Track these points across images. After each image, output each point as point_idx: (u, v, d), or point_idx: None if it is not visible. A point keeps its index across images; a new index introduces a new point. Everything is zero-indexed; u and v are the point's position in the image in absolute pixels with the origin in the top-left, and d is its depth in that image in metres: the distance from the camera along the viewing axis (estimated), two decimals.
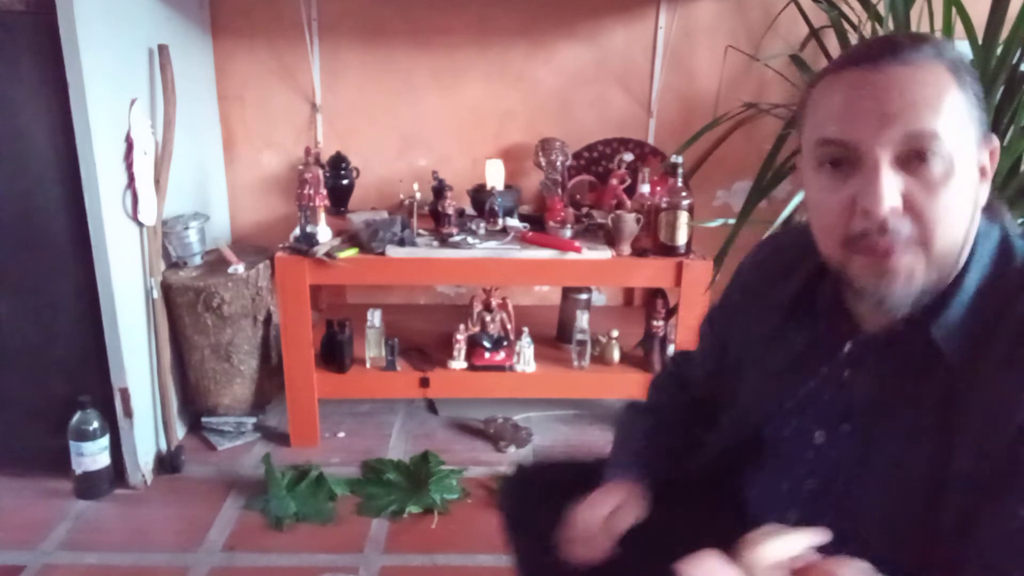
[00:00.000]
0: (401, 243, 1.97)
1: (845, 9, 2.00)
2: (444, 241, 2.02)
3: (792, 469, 0.88)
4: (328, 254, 1.91)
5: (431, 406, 2.34)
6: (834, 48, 2.07)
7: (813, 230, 0.79)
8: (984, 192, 0.75)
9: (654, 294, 2.20)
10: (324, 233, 1.97)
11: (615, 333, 2.17)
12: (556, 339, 2.30)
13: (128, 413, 1.83)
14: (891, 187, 0.69)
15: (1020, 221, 1.75)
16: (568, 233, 2.02)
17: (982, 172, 0.74)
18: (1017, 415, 0.68)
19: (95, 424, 1.80)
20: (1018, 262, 0.76)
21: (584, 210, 2.24)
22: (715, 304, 1.06)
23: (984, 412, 0.71)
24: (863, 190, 0.70)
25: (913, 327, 0.76)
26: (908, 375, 0.77)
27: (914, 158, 0.69)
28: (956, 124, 0.69)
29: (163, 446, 1.99)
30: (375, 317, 2.13)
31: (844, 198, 0.72)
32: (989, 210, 0.78)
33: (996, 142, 0.76)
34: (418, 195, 2.10)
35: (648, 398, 1.13)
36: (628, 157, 2.31)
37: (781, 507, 0.90)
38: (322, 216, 1.97)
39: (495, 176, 2.19)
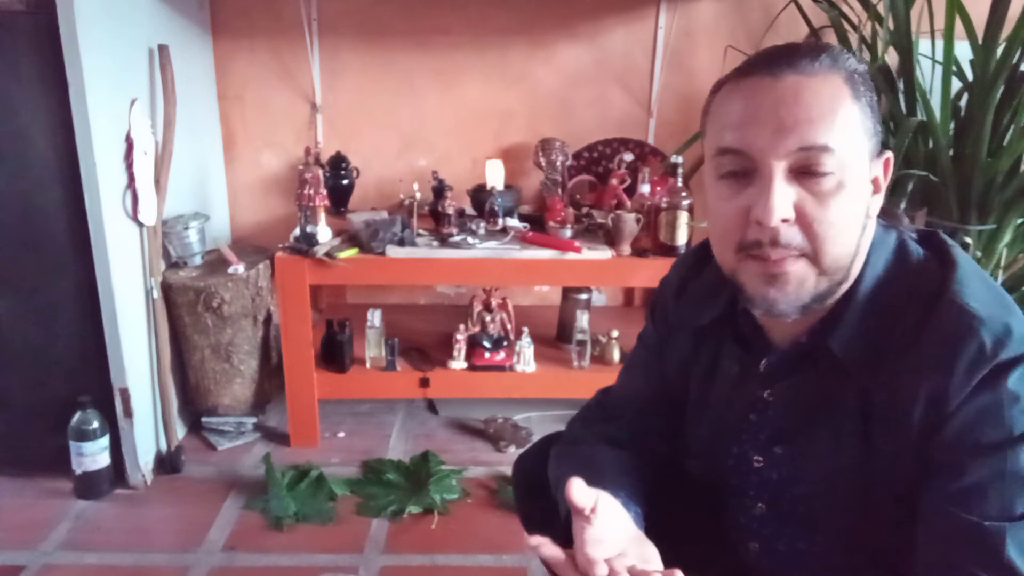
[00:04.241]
0: (401, 243, 1.97)
1: (845, 9, 2.00)
2: (444, 241, 2.02)
3: (742, 498, 0.89)
4: (328, 254, 1.91)
5: (431, 406, 2.34)
6: None
7: (711, 237, 0.81)
8: (876, 204, 0.77)
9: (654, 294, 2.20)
10: (324, 233, 1.97)
11: (615, 333, 2.17)
12: (556, 339, 2.30)
13: (128, 413, 1.83)
14: (783, 199, 0.70)
15: (1020, 221, 1.75)
16: (568, 233, 2.02)
17: (875, 184, 0.76)
18: (913, 415, 0.71)
19: (95, 424, 1.79)
20: (912, 266, 0.78)
21: (584, 210, 2.24)
22: (642, 342, 1.04)
23: (889, 412, 0.73)
24: (756, 201, 0.71)
25: (816, 339, 0.78)
26: (821, 386, 0.79)
27: (807, 170, 0.70)
28: (849, 137, 0.71)
29: (163, 446, 1.99)
30: (375, 317, 2.13)
31: (739, 207, 0.73)
32: (887, 216, 0.80)
33: (889, 154, 0.77)
34: (418, 195, 2.10)
35: (584, 433, 1.03)
36: (628, 157, 2.31)
37: (744, 540, 0.91)
38: (322, 216, 1.97)
39: (495, 176, 2.19)
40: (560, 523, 0.85)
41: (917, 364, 0.71)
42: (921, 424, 0.71)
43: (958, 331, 0.69)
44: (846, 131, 0.70)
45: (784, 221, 0.70)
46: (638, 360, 1.05)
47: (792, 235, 0.71)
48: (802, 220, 0.71)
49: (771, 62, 0.72)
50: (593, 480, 0.83)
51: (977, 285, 0.73)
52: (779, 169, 0.70)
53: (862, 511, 0.78)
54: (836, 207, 0.71)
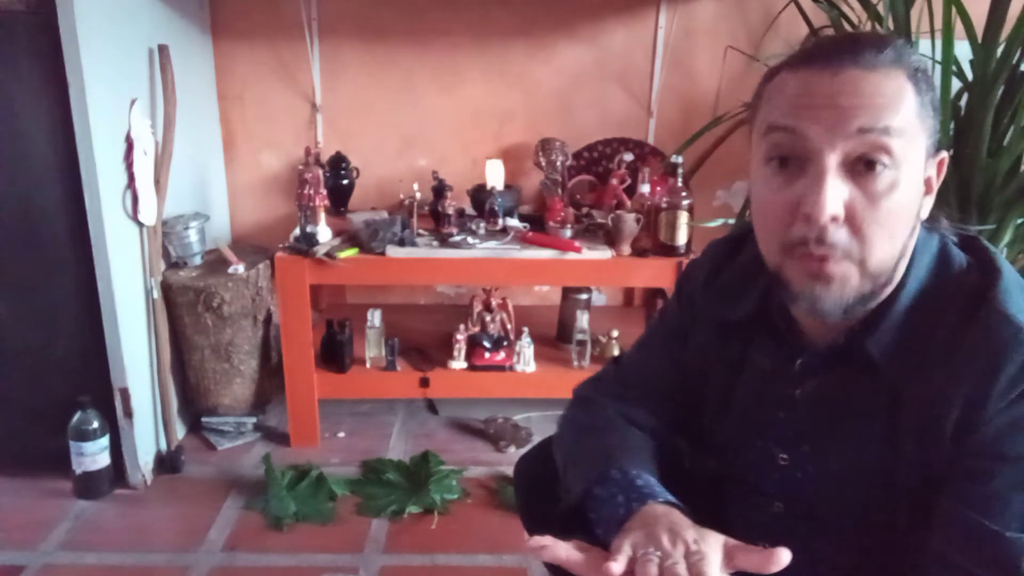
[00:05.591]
0: (401, 243, 1.97)
1: (845, 9, 2.00)
2: (444, 241, 2.02)
3: (759, 495, 0.88)
4: (328, 254, 1.91)
5: (431, 406, 2.34)
6: None
7: (755, 229, 0.79)
8: (927, 205, 0.76)
9: (654, 294, 2.20)
10: (324, 233, 1.97)
11: (615, 333, 2.17)
12: (556, 339, 2.30)
13: (128, 413, 1.83)
14: (835, 195, 0.68)
15: (1020, 221, 1.75)
16: (568, 233, 2.01)
17: (927, 185, 0.75)
18: (949, 418, 0.70)
19: (95, 424, 1.80)
20: (954, 271, 0.77)
21: (584, 210, 2.24)
22: (665, 323, 1.01)
23: (920, 415, 0.73)
24: (807, 194, 0.69)
25: (853, 340, 0.77)
26: (853, 386, 0.79)
27: (862, 164, 0.68)
28: (908, 129, 0.69)
29: (163, 446, 1.99)
30: (375, 317, 2.13)
31: (788, 200, 0.71)
32: (929, 219, 0.79)
33: (944, 154, 0.76)
34: (418, 195, 2.10)
35: (599, 407, 0.99)
36: (628, 157, 2.31)
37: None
38: (322, 216, 1.97)
39: (495, 176, 2.19)
40: (558, 520, 0.85)
41: (957, 370, 0.70)
42: (954, 430, 0.70)
43: (1004, 341, 0.69)
44: (905, 122, 0.68)
45: (834, 220, 0.68)
46: (659, 338, 1.01)
47: (840, 236, 0.69)
48: (851, 221, 0.69)
49: (832, 54, 0.69)
50: (630, 460, 0.84)
51: (1021, 295, 0.72)
52: (833, 162, 0.68)
53: (877, 513, 0.77)
54: (887, 207, 0.69)
